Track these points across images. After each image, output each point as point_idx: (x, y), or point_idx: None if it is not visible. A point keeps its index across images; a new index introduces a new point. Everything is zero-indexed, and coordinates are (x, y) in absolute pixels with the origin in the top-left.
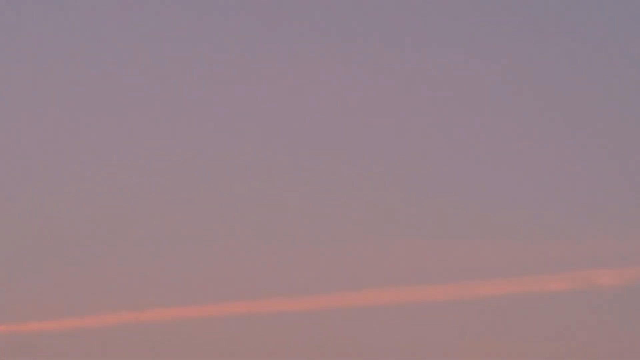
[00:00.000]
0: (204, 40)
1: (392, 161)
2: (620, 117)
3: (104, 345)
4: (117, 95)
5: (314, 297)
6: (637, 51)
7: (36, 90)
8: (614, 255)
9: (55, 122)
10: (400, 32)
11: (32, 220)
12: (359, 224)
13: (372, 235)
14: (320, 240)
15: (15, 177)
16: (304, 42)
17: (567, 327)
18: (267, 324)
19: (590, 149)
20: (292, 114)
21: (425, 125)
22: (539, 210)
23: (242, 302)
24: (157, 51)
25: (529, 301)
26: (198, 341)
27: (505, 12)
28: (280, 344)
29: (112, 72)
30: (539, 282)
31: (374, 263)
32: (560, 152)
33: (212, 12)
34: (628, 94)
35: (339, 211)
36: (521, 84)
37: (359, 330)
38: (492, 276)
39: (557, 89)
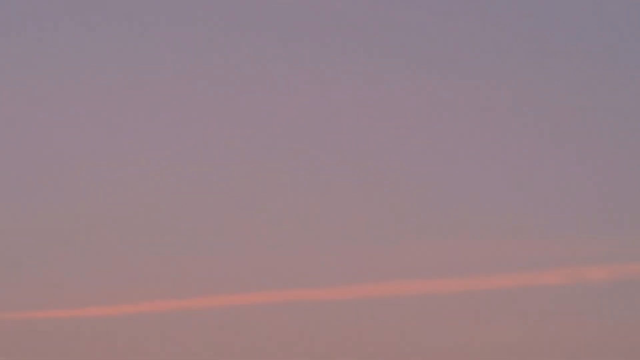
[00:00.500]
0: (205, 40)
1: (399, 167)
2: (610, 119)
3: (110, 335)
4: (117, 95)
5: (320, 289)
6: (615, 59)
7: (36, 90)
8: (602, 252)
9: (58, 118)
10: (403, 34)
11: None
12: (364, 223)
13: (377, 232)
14: (328, 238)
15: (15, 176)
16: (307, 43)
17: (558, 320)
18: (275, 314)
19: (579, 152)
20: (304, 116)
21: (429, 130)
22: (534, 211)
23: (251, 294)
24: (157, 51)
25: (521, 295)
26: (201, 333)
27: (504, 15)
28: (286, 334)
29: (112, 72)
30: (533, 277)
31: (378, 258)
32: (552, 155)
33: (212, 12)
34: (623, 96)
35: (345, 211)
36: (519, 92)
37: (362, 320)
38: (488, 272)
39: (547, 93)
